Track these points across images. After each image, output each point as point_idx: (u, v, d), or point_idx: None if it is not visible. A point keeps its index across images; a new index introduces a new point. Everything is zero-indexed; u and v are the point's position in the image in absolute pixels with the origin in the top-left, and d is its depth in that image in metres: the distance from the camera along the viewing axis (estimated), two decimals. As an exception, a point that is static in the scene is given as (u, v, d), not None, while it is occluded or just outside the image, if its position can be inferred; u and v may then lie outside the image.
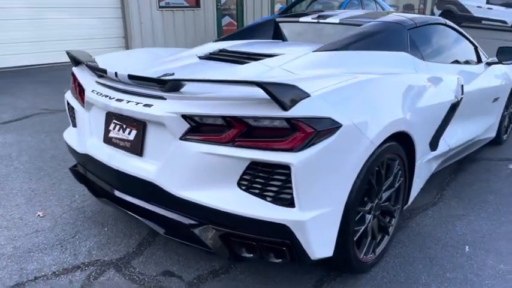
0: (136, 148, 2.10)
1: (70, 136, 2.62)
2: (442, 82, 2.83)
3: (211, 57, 2.77)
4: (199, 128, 1.86)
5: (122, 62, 2.79)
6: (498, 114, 4.04)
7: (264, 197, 1.79)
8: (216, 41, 3.48)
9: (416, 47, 3.01)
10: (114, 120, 2.20)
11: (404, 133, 2.29)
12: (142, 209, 2.14)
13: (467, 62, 3.65)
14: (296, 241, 1.79)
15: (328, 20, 3.33)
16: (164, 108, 1.90)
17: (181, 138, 1.88)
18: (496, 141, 4.34)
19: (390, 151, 2.20)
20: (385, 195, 2.33)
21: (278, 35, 3.56)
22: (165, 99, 1.94)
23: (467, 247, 2.61)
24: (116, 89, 2.20)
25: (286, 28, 3.57)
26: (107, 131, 2.26)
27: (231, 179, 1.82)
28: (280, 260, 1.89)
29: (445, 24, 3.53)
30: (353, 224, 2.05)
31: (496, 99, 3.84)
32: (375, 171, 2.12)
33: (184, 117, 1.85)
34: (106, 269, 2.33)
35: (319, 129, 1.74)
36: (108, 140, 2.25)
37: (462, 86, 2.99)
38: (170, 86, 1.91)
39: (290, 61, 2.39)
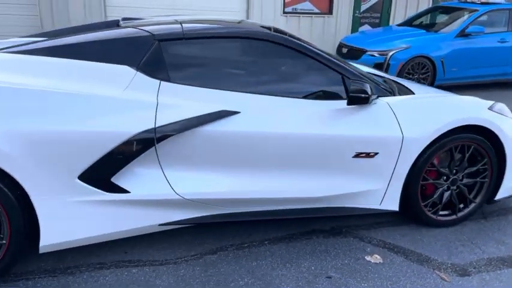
0: None
1: None
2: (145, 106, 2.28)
3: None
4: None
5: None
6: (381, 177, 2.78)
7: None
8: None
9: (161, 63, 2.45)
10: None
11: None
12: None
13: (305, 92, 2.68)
14: None
15: None
16: None
17: None
18: (419, 219, 2.99)
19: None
20: None
21: None
22: None
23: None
24: None
25: None
26: None
27: None
28: None
29: (270, 41, 2.66)
30: None
31: (369, 155, 2.68)
32: None
33: None
34: None
35: None
36: None
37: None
38: None
39: None
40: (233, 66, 2.60)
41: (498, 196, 3.11)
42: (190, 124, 2.34)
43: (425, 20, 8.95)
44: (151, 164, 2.38)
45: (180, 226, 2.62)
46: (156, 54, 2.46)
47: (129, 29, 2.60)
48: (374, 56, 7.20)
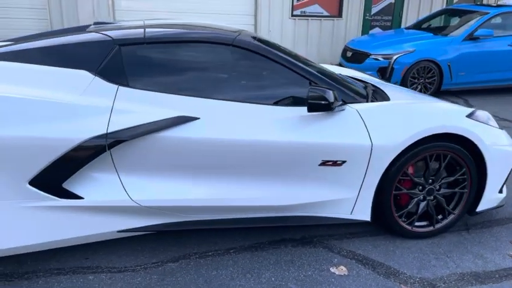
0: None
1: None
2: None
3: None
4: None
5: None
6: (351, 185, 2.70)
7: None
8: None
9: (121, 68, 2.44)
10: None
11: None
12: None
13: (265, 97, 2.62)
14: None
15: None
16: None
17: None
18: (393, 230, 2.89)
19: None
20: None
21: None
22: None
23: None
24: None
25: None
26: None
27: None
28: None
29: (235, 45, 2.62)
30: None
31: (336, 163, 2.60)
32: None
33: None
34: None
35: None
36: None
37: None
38: None
39: None
40: (195, 71, 2.56)
41: (480, 208, 2.97)
42: (145, 130, 2.31)
43: (435, 23, 8.74)
44: (107, 169, 2.36)
45: (142, 233, 2.59)
46: (115, 59, 2.45)
47: (91, 33, 2.59)
48: (378, 60, 7.06)
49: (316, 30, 10.22)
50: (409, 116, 2.70)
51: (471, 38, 7.09)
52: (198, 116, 2.43)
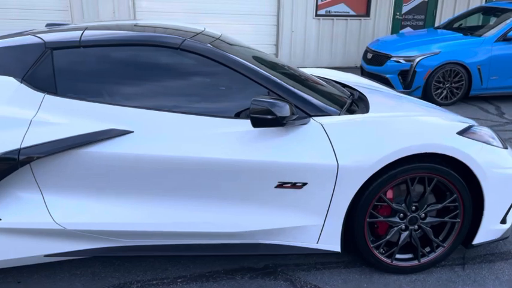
0: None
1: None
2: None
3: None
4: None
5: None
6: (315, 211, 2.33)
7: None
8: None
9: (50, 74, 2.20)
10: None
11: None
12: None
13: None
14: None
15: None
16: None
17: None
18: (369, 263, 2.49)
19: None
20: None
21: None
22: None
23: None
24: None
25: None
26: None
27: None
28: None
29: (183, 49, 2.31)
30: None
31: (295, 186, 2.24)
32: None
33: None
34: None
35: None
36: None
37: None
38: None
39: None
40: (134, 78, 2.28)
41: (476, 240, 2.52)
42: (67, 145, 2.05)
43: (469, 22, 8.08)
44: (29, 188, 2.12)
45: (74, 258, 2.34)
46: (45, 64, 2.21)
47: (24, 36, 2.36)
48: (399, 62, 6.54)
49: (341, 30, 9.73)
50: (386, 133, 2.29)
51: (505, 38, 6.42)
52: (132, 130, 2.14)
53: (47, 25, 2.92)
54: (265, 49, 9.78)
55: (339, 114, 2.41)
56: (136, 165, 2.13)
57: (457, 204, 2.43)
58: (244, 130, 2.22)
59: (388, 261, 2.49)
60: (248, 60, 2.42)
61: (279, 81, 2.35)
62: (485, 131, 2.53)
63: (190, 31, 2.64)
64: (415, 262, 2.52)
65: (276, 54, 9.77)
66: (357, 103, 2.76)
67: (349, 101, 2.68)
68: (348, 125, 2.31)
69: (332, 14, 9.62)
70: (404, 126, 2.34)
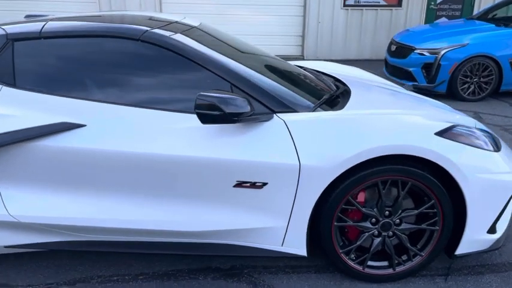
0: None
1: None
2: None
3: None
4: None
5: None
6: (277, 212, 2.20)
7: None
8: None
9: (9, 66, 2.19)
10: None
11: None
12: None
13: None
14: None
15: None
16: None
17: None
18: (339, 269, 2.34)
19: None
20: None
21: None
22: None
23: None
24: None
25: None
26: None
27: None
28: None
29: (144, 41, 2.23)
30: None
31: (254, 185, 2.13)
32: None
33: None
34: None
35: None
36: None
37: None
38: None
39: None
40: (92, 71, 2.22)
41: (460, 251, 2.31)
42: (19, 137, 2.03)
43: (509, 11, 7.54)
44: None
45: (35, 250, 2.33)
46: (5, 56, 2.20)
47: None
48: (423, 54, 6.18)
49: (371, 20, 9.37)
50: (355, 131, 2.12)
51: (541, 29, 5.94)
52: (84, 123, 2.10)
53: (26, 16, 2.93)
54: (291, 40, 9.59)
55: (313, 111, 2.26)
56: (88, 160, 2.08)
57: (435, 210, 2.23)
58: (201, 126, 2.12)
59: (359, 268, 2.33)
60: (221, 52, 2.32)
61: (242, 75, 2.23)
62: (472, 132, 2.30)
63: (163, 21, 2.56)
64: (390, 271, 2.35)
65: (302, 46, 9.56)
66: (339, 99, 2.59)
67: (325, 97, 2.52)
68: (313, 123, 2.15)
69: (361, 4, 9.28)
70: (378, 124, 2.16)
